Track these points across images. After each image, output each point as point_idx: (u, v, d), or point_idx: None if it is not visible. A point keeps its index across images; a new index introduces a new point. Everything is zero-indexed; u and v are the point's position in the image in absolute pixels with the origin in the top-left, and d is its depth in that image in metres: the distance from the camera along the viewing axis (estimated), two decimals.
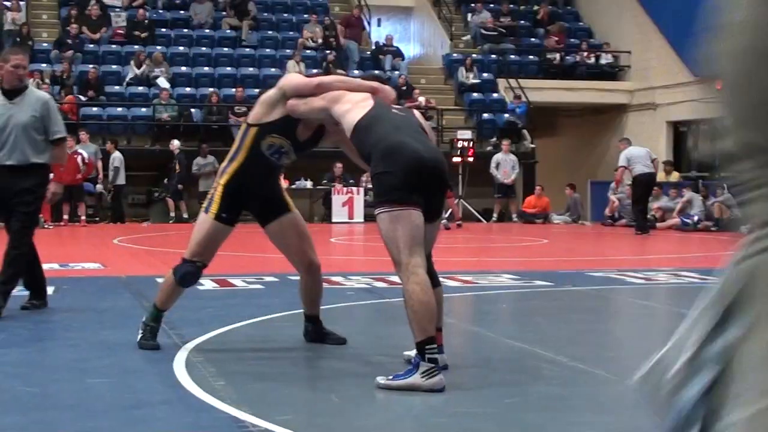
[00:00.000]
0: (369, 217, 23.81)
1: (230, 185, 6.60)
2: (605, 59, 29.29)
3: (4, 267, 8.49)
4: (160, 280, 10.91)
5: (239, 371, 6.13)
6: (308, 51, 27.39)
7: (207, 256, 6.74)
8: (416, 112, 6.23)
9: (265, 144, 6.43)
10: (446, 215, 21.74)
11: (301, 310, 8.60)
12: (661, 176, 24.96)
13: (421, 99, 26.16)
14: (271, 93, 6.48)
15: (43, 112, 8.47)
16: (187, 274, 6.69)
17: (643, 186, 20.50)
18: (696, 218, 22.20)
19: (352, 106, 5.99)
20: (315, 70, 26.36)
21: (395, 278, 10.52)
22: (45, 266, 12.44)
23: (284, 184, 22.63)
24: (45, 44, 26.70)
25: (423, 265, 5.57)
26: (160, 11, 28.56)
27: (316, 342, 7.00)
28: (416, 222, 5.55)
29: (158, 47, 26.77)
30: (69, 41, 26.17)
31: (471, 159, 23.31)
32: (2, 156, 8.32)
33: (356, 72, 27.19)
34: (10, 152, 8.31)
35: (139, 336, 6.79)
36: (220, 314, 8.35)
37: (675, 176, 25.26)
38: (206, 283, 10.59)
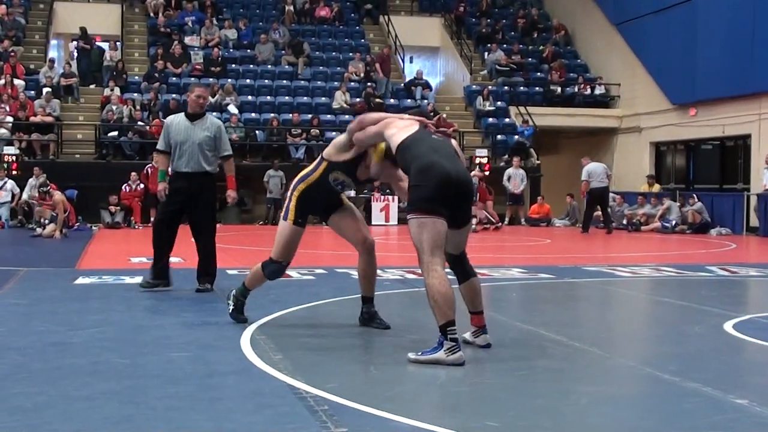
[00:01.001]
0: (402, 221, 23.83)
1: (302, 198, 6.75)
2: (599, 90, 29.17)
3: (207, 259, 9.50)
4: (230, 272, 10.99)
5: (294, 347, 6.14)
6: (352, 83, 27.40)
7: (289, 256, 6.90)
8: (453, 141, 6.21)
9: (331, 177, 6.64)
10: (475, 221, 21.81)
11: (346, 297, 8.63)
12: (644, 187, 24.87)
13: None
14: (342, 138, 6.61)
15: (216, 134, 9.13)
16: (274, 272, 6.96)
17: (597, 198, 21.11)
18: (674, 223, 22.07)
19: (398, 130, 6.07)
20: (358, 99, 26.46)
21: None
22: (135, 260, 12.57)
23: (231, 202, 22.96)
24: (136, 77, 26.85)
25: (441, 264, 5.64)
26: (231, 50, 28.63)
27: (366, 325, 7.01)
28: (439, 229, 5.64)
29: (229, 80, 26.86)
30: (156, 75, 26.31)
31: (487, 173, 23.53)
32: (181, 164, 8.99)
33: (391, 101, 27.26)
34: (187, 162, 8.98)
35: (231, 308, 7.11)
36: (278, 300, 8.36)
37: (656, 188, 25.14)
38: None
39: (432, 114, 6.47)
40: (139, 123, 24.29)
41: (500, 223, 22.58)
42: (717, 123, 24.06)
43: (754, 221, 21.45)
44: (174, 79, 26.70)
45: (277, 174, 23.46)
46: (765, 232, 20.48)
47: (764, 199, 20.88)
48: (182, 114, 9.18)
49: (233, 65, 27.94)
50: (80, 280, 9.99)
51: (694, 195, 22.84)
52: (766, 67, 21.97)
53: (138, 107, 24.76)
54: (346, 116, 26.19)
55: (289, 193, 6.84)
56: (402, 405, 4.50)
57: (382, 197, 23.91)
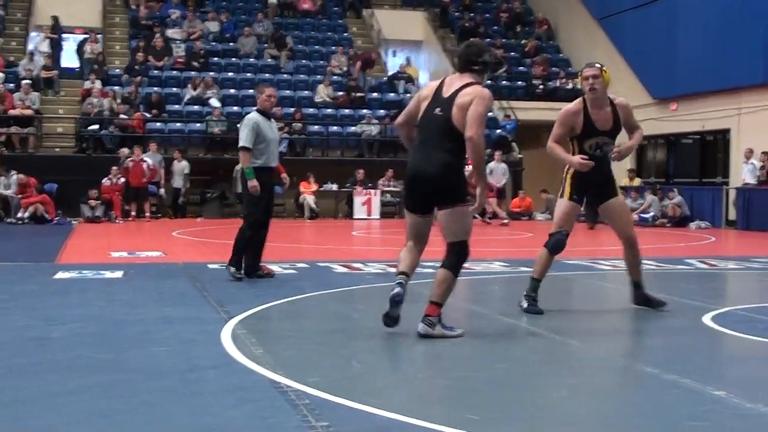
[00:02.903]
0: (384, 214, 23.85)
1: (574, 177, 7.49)
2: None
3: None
4: (211, 266, 10.97)
5: (276, 341, 6.14)
6: (335, 77, 27.37)
7: (568, 227, 7.56)
8: (463, 94, 6.14)
9: (587, 145, 7.38)
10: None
11: (328, 291, 8.66)
12: (624, 181, 24.91)
13: None
14: (556, 130, 7.56)
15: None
16: (558, 241, 7.52)
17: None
18: (653, 216, 22.17)
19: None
20: (340, 93, 26.45)
21: None
22: (116, 254, 12.53)
23: (314, 186, 22.88)
24: (117, 70, 26.72)
25: (406, 247, 6.41)
26: (213, 43, 28.53)
27: (641, 305, 7.59)
28: (409, 221, 6.42)
29: (211, 73, 26.78)
30: (137, 68, 26.21)
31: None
32: (269, 159, 9.48)
33: (374, 95, 27.26)
34: (271, 158, 9.50)
35: (525, 305, 7.47)
36: (259, 294, 8.35)
37: (637, 181, 25.22)
38: None
39: None
40: (121, 116, 24.19)
41: (493, 218, 22.45)
42: (697, 117, 24.16)
43: (733, 215, 21.57)
44: (155, 72, 26.60)
45: None
46: (744, 226, 20.59)
47: (743, 193, 21.00)
48: (256, 113, 9.53)
49: (215, 58, 27.85)
50: (60, 275, 9.94)
51: (674, 189, 22.94)
52: (746, 62, 22.08)
53: (119, 100, 24.64)
54: (329, 110, 26.19)
55: (563, 176, 7.58)
56: (383, 398, 4.51)
57: (364, 191, 23.91)
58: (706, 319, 7.17)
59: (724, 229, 21.10)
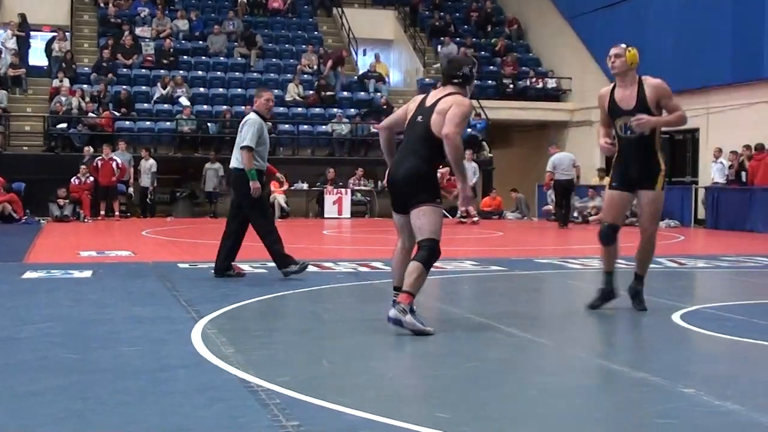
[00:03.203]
0: (355, 213, 23.85)
1: (615, 162, 7.59)
2: (550, 84, 29.36)
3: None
4: (181, 265, 10.92)
5: (246, 340, 6.12)
6: (305, 75, 27.33)
7: (609, 218, 7.66)
8: (442, 101, 6.48)
9: (617, 127, 7.37)
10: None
11: (299, 290, 8.64)
12: (595, 180, 25.05)
13: None
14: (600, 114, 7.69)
15: None
16: (601, 233, 7.64)
17: (561, 189, 20.70)
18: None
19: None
20: (311, 91, 26.42)
21: (375, 263, 10.50)
22: (84, 254, 12.45)
23: (285, 186, 22.83)
24: (86, 68, 26.54)
25: (399, 243, 6.67)
26: (183, 42, 28.40)
27: (631, 297, 7.65)
28: (395, 219, 6.67)
29: (181, 72, 26.67)
30: (106, 66, 26.04)
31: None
32: (263, 162, 9.63)
33: (344, 94, 27.25)
34: (266, 160, 9.69)
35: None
36: (230, 293, 8.33)
37: (606, 180, 25.35)
38: None
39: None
40: (90, 115, 24.03)
41: (466, 217, 22.44)
42: None
43: (702, 214, 21.73)
44: (124, 70, 26.46)
45: (213, 167, 23.27)
46: (712, 225, 20.75)
47: (712, 192, 21.16)
48: (257, 115, 9.60)
49: (185, 57, 27.73)
50: (28, 275, 9.86)
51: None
52: (714, 62, 22.26)
53: (88, 99, 24.48)
54: (299, 109, 26.13)
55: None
56: (354, 398, 4.50)
57: (335, 190, 23.90)
58: (676, 317, 7.22)
59: (693, 228, 21.26)
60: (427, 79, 28.67)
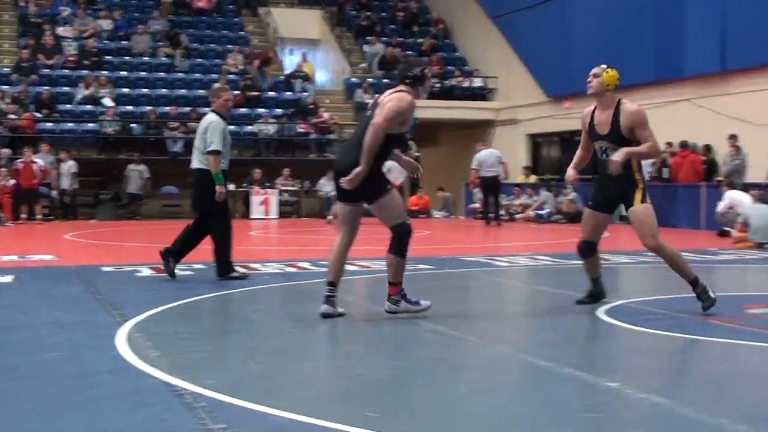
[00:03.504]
0: (283, 214, 23.76)
1: (595, 182, 7.56)
2: (476, 83, 29.58)
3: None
4: (105, 269, 10.76)
5: (172, 344, 6.05)
6: (231, 75, 27.15)
7: (585, 234, 7.65)
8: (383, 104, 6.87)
9: (596, 148, 7.37)
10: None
11: (225, 292, 8.58)
12: (520, 178, 25.33)
13: (326, 116, 26.24)
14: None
15: None
16: (578, 248, 7.68)
17: (486, 187, 20.80)
18: (548, 212, 22.56)
19: None
20: (237, 92, 26.25)
21: (303, 264, 10.45)
22: (5, 258, 12.20)
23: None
24: (6, 69, 26.04)
25: (339, 235, 7.02)
26: (106, 41, 28.02)
27: (695, 295, 7.27)
28: (338, 209, 7.13)
29: (104, 72, 26.32)
30: (26, 66, 25.57)
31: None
32: (226, 163, 9.55)
33: (271, 94, 27.13)
34: (227, 160, 9.62)
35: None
36: (156, 297, 8.22)
37: (532, 178, 25.65)
38: (144, 270, 10.45)
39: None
40: (10, 116, 23.57)
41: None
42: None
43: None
44: (46, 70, 26.01)
45: (138, 168, 23.10)
46: None
47: None
48: (216, 115, 9.50)
49: (109, 57, 27.35)
50: None
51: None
52: (638, 61, 22.61)
53: (8, 100, 24.01)
54: None
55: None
56: (282, 399, 4.48)
57: (262, 191, 23.78)
58: (600, 312, 7.32)
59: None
60: (353, 79, 28.69)
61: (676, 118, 21.56)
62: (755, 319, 6.94)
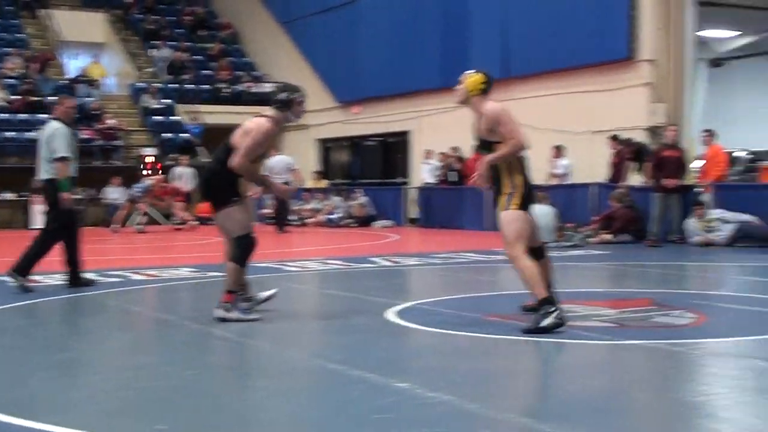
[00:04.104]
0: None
1: None
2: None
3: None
4: None
5: None
6: (10, 80, 26.00)
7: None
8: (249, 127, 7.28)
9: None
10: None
11: (4, 306, 8.22)
12: (311, 183, 25.46)
13: (112, 122, 25.56)
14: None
15: None
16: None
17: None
18: (338, 216, 22.79)
19: None
20: (18, 96, 25.18)
21: (89, 275, 10.10)
22: None
23: None
24: None
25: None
26: None
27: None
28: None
29: None
30: None
31: (160, 172, 23.20)
32: (73, 169, 9.46)
33: (53, 98, 26.14)
34: (75, 167, 9.52)
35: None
36: None
37: (323, 183, 25.84)
38: None
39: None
40: None
41: (184, 223, 22.03)
42: (379, 120, 25.10)
43: (415, 213, 22.59)
44: None
45: None
46: (425, 223, 21.62)
47: (423, 192, 22.06)
48: (60, 123, 9.45)
49: None
50: None
51: (357, 190, 23.70)
52: (424, 67, 23.20)
53: None
54: (5, 114, 24.81)
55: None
56: (66, 415, 4.32)
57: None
58: (390, 314, 7.44)
59: (406, 228, 22.04)
60: (140, 84, 28.07)
61: (464, 123, 22.04)
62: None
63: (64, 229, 9.56)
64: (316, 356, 5.95)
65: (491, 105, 6.84)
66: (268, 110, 7.33)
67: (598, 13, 18.95)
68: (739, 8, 22.03)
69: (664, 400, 4.67)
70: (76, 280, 9.61)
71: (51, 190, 9.46)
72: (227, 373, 5.42)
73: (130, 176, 23.51)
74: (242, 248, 7.18)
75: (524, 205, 6.72)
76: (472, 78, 6.87)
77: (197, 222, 22.21)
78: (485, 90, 6.87)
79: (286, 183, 20.50)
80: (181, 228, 21.37)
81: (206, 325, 7.03)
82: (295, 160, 22.12)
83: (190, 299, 9.35)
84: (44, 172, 9.45)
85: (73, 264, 9.64)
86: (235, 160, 7.08)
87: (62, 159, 9.30)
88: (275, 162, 20.65)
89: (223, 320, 6.97)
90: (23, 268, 9.40)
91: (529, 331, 6.30)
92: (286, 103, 7.32)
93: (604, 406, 4.54)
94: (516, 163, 6.77)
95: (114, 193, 23.57)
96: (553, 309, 6.37)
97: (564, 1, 19.57)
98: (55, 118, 9.63)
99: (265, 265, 12.05)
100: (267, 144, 7.30)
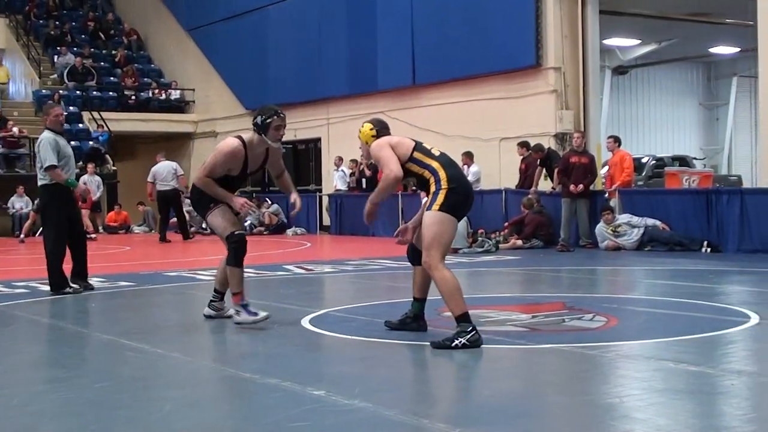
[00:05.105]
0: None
1: None
2: (174, 95, 29.25)
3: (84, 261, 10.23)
4: None
5: None
6: None
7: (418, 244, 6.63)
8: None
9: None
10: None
11: None
12: None
13: (15, 129, 25.00)
14: None
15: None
16: None
17: (163, 200, 19.97)
18: (249, 224, 22.63)
19: None
20: None
21: (19, 285, 9.85)
22: None
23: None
24: None
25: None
26: None
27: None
28: None
29: None
30: None
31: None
32: (70, 175, 9.90)
33: None
34: (72, 173, 9.96)
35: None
36: None
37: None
38: None
39: None
40: None
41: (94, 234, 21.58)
42: (289, 127, 24.87)
43: (327, 220, 22.58)
44: None
45: None
46: (336, 230, 21.62)
47: (335, 199, 22.05)
48: (49, 132, 9.81)
49: None
50: None
51: (268, 198, 23.58)
52: (332, 75, 23.24)
53: None
54: None
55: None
56: None
57: None
58: (305, 322, 7.43)
59: (319, 235, 22.03)
60: (43, 90, 27.52)
61: None
62: (449, 321, 7.28)
63: (63, 229, 9.83)
64: (229, 365, 5.90)
65: (375, 143, 6.59)
66: (247, 132, 7.51)
67: (505, 21, 19.20)
68: (640, 17, 22.60)
69: (579, 403, 4.75)
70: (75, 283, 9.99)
71: (43, 196, 9.97)
72: (139, 384, 5.34)
73: (35, 185, 22.99)
74: (232, 250, 7.30)
75: (451, 207, 6.27)
76: (362, 131, 6.73)
77: (103, 231, 21.84)
78: (377, 135, 6.63)
79: (173, 189, 19.98)
80: (94, 239, 20.97)
81: (117, 336, 6.92)
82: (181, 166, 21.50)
83: (100, 310, 9.18)
84: (39, 179, 9.90)
85: (81, 264, 10.09)
86: (196, 176, 7.46)
87: (52, 167, 9.66)
88: (161, 168, 20.24)
89: (237, 323, 7.27)
90: (62, 280, 9.78)
91: (439, 347, 6.06)
92: (262, 127, 7.43)
93: (520, 409, 4.59)
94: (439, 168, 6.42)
95: (19, 203, 23.05)
96: (470, 328, 6.06)
97: (472, 9, 19.77)
98: (46, 128, 9.96)
99: (177, 274, 11.92)
100: (231, 163, 7.37)
